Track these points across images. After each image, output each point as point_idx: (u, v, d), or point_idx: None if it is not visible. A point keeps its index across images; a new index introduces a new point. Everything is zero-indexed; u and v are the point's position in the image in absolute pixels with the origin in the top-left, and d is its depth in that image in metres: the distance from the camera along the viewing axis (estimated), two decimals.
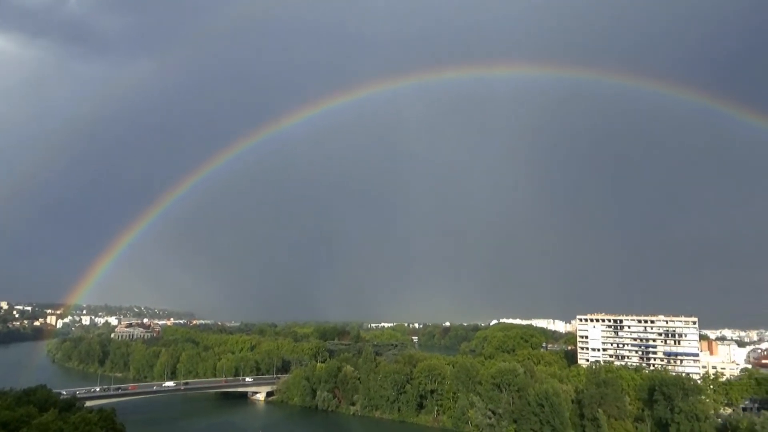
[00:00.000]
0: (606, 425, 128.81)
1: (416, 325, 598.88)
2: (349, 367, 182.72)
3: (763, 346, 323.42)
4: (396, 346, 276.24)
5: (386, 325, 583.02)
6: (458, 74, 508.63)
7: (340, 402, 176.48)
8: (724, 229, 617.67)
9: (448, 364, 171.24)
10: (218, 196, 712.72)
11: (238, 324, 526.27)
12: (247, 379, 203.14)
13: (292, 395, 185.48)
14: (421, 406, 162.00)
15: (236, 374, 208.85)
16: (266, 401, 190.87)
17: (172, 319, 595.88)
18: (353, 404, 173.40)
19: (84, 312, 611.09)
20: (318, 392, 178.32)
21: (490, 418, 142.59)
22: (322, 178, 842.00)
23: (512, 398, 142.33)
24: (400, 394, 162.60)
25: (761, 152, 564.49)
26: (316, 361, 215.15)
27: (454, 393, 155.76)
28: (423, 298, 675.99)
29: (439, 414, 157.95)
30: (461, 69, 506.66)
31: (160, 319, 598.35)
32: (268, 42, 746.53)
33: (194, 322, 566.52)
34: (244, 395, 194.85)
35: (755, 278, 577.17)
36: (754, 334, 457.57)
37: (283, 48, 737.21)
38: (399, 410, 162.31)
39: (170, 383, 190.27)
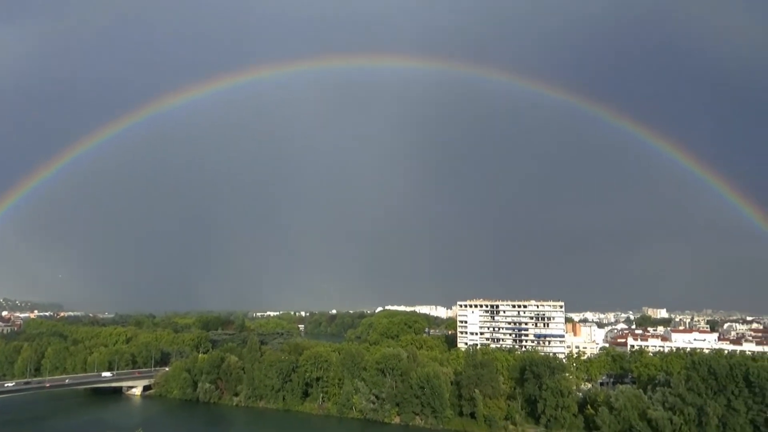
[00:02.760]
0: (481, 404, 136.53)
1: (303, 314, 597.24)
2: (233, 357, 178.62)
3: (619, 326, 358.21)
4: (282, 334, 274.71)
5: (272, 313, 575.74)
6: (350, 63, 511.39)
7: (223, 393, 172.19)
8: (587, 222, 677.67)
9: (334, 351, 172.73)
10: (89, 181, 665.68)
11: (112, 316, 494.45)
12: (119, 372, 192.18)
13: (172, 388, 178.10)
14: (306, 394, 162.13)
15: (110, 368, 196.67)
16: (143, 396, 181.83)
17: (36, 311, 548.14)
18: (236, 395, 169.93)
19: None
20: (199, 384, 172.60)
21: (373, 403, 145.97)
22: (206, 163, 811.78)
23: (396, 382, 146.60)
24: (286, 382, 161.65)
25: (624, 154, 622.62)
26: (198, 352, 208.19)
27: (340, 379, 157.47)
28: (310, 287, 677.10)
29: (324, 401, 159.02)
30: (354, 58, 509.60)
31: (22, 311, 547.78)
32: (149, 12, 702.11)
33: (62, 314, 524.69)
34: (119, 390, 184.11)
35: (614, 266, 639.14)
36: (611, 316, 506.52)
37: (168, 21, 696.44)
38: (284, 399, 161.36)
39: (29, 381, 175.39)
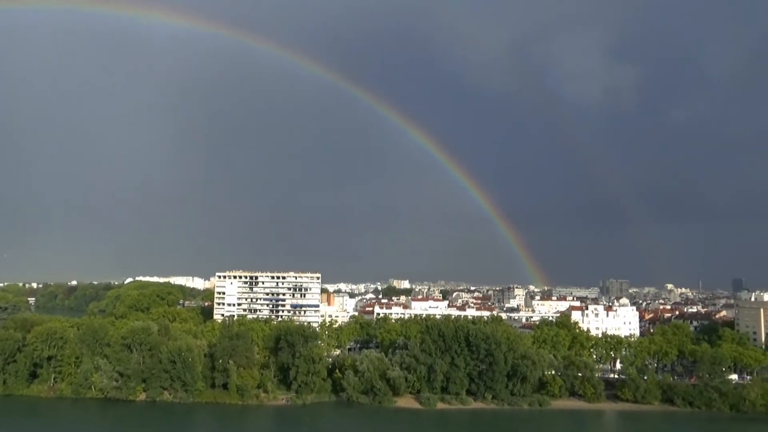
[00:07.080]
0: (235, 374, 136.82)
1: (35, 285, 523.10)
2: None
3: (368, 296, 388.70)
4: (6, 309, 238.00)
5: None
6: (115, 10, 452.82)
7: None
8: (345, 201, 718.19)
9: (72, 327, 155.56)
10: None
11: None
12: None
13: None
14: (35, 376, 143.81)
15: None
16: None
17: None
18: None
19: None
20: None
21: (117, 381, 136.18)
22: None
23: (143, 358, 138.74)
24: (8, 364, 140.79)
25: (382, 138, 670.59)
26: None
27: (77, 358, 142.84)
28: (43, 255, 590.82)
29: (56, 382, 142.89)
30: (119, 5, 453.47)
31: None
32: None
33: None
34: None
35: (366, 242, 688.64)
36: (362, 287, 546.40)
37: None
38: (5, 383, 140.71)
39: None
